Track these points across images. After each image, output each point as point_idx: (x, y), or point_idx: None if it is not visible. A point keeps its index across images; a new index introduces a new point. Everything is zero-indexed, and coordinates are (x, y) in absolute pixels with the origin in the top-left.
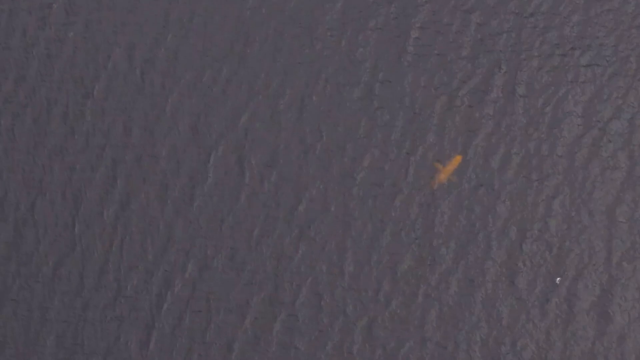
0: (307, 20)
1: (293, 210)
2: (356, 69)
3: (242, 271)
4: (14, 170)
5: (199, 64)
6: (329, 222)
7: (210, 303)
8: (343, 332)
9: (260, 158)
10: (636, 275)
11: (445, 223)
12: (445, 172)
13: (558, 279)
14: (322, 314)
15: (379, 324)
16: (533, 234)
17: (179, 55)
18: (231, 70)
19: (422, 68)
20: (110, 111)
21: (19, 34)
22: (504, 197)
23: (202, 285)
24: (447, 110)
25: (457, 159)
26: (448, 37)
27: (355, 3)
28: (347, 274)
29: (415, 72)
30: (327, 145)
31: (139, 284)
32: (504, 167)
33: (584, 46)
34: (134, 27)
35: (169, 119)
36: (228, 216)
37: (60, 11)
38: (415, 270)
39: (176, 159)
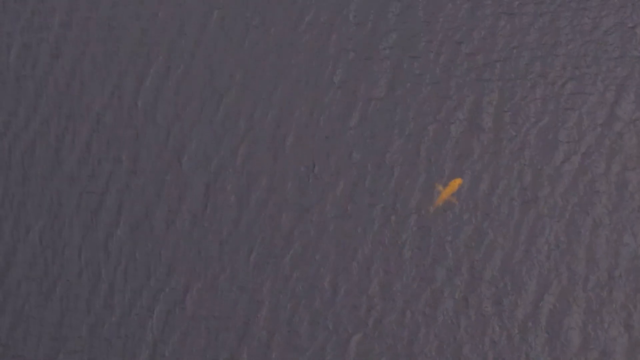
0: (306, 53)
1: (290, 234)
2: (350, 100)
3: (243, 292)
4: (25, 198)
5: (201, 96)
6: (326, 244)
7: (211, 322)
8: (338, 348)
9: (258, 185)
10: (616, 301)
11: (435, 245)
12: (445, 194)
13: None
14: (318, 331)
15: (371, 340)
16: (520, 255)
17: (182, 87)
18: (231, 101)
19: (414, 97)
20: (115, 142)
21: (30, 67)
22: (491, 220)
23: (203, 305)
24: (438, 137)
25: (457, 181)
26: (437, 66)
27: (353, 35)
28: (343, 293)
29: (406, 102)
30: (322, 172)
31: (142, 305)
32: (492, 192)
33: (569, 76)
34: (140, 59)
35: (172, 149)
36: (228, 240)
37: (70, 45)
38: (408, 290)
39: (178, 186)
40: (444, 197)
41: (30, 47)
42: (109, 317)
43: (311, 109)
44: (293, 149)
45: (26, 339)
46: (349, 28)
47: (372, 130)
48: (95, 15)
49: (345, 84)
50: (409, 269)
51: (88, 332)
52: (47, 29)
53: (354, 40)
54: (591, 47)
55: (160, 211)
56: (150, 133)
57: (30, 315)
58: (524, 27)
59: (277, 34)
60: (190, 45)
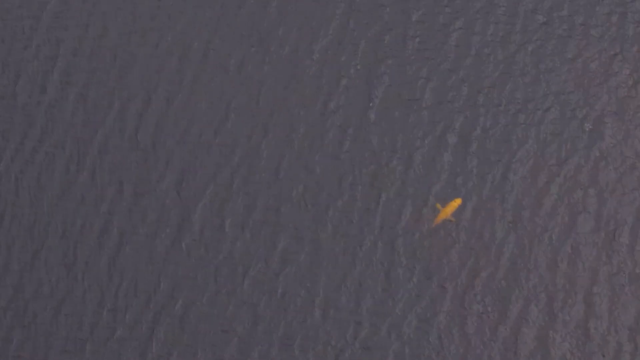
0: (301, 80)
1: (271, 254)
2: (327, 126)
3: (227, 308)
4: (19, 219)
5: (200, 122)
6: (304, 263)
7: (208, 339)
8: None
9: (241, 207)
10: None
11: (405, 264)
12: (444, 213)
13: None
14: (295, 345)
15: (350, 354)
16: (483, 280)
17: (168, 114)
18: (229, 128)
19: (386, 126)
20: (118, 168)
21: (25, 96)
22: (477, 240)
23: (189, 321)
24: (426, 160)
25: (457, 201)
26: (427, 92)
27: (347, 62)
28: (319, 311)
29: (380, 129)
30: (302, 195)
31: (130, 322)
32: (477, 213)
33: (547, 103)
34: (142, 88)
35: (159, 173)
36: (213, 260)
37: (61, 74)
38: (395, 310)
39: (165, 209)
40: (442, 216)
41: (38, 76)
42: (111, 335)
43: (306, 134)
44: (288, 174)
45: (34, 356)
46: (344, 55)
47: (363, 154)
48: (101, 46)
49: (340, 109)
50: (397, 290)
51: (91, 350)
52: (54, 58)
53: (348, 67)
54: (572, 75)
55: (162, 234)
56: (152, 159)
57: (38, 333)
58: (511, 54)
59: (274, 62)
60: (191, 73)
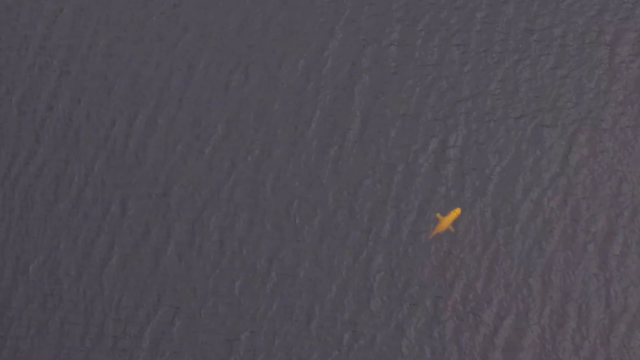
0: (284, 98)
1: (268, 271)
2: (326, 142)
3: (224, 323)
4: (25, 238)
5: (187, 139)
6: (300, 281)
7: (196, 347)
8: None
9: (240, 224)
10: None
11: (404, 279)
12: (445, 222)
13: None
14: (295, 352)
15: None
16: (482, 285)
17: (170, 131)
18: (215, 145)
19: (385, 138)
20: (107, 183)
21: (30, 117)
22: (457, 250)
23: (188, 336)
24: (406, 176)
25: (457, 211)
26: (408, 108)
27: (329, 79)
28: (315, 325)
29: (377, 143)
30: (300, 213)
31: (131, 335)
32: (456, 226)
33: (534, 113)
34: (130, 107)
35: (161, 190)
36: (212, 275)
37: (67, 95)
38: (377, 318)
39: (166, 226)
40: (443, 225)
41: (31, 95)
42: (104, 344)
43: (290, 150)
44: (273, 188)
45: None
46: (326, 73)
47: (345, 169)
48: (90, 67)
49: (322, 126)
50: (378, 299)
51: (84, 358)
52: (46, 77)
53: (330, 84)
54: (547, 90)
55: (150, 246)
56: (140, 174)
57: (32, 342)
58: (490, 69)
59: (257, 81)
60: (177, 92)
